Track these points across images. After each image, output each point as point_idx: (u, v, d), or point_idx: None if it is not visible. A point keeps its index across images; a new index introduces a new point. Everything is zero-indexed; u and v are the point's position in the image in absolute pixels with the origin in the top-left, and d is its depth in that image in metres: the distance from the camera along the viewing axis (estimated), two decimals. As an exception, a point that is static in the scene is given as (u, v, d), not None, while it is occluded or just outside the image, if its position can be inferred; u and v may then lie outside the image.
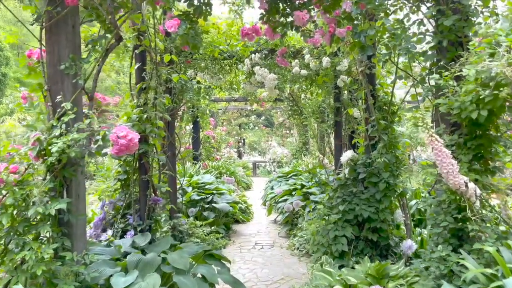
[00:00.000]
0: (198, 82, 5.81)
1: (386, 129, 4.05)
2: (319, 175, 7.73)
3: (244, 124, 22.61)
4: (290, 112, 12.03)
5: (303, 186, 7.50)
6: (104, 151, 3.04)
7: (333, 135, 5.97)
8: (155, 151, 4.05)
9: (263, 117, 22.91)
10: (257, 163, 18.08)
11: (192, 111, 8.88)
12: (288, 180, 9.17)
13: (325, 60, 4.91)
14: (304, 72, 5.59)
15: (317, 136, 9.22)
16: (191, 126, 9.12)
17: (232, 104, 17.68)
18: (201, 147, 9.34)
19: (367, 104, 4.12)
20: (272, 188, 8.85)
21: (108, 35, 3.07)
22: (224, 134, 10.66)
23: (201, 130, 9.25)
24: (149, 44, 3.76)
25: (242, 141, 22.54)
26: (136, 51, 3.81)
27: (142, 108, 3.83)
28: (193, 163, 8.86)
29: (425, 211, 5.56)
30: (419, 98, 3.40)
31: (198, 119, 8.83)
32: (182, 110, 5.85)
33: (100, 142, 2.91)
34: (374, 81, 4.09)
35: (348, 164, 4.34)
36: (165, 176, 4.68)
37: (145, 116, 3.78)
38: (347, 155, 4.20)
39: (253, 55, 5.55)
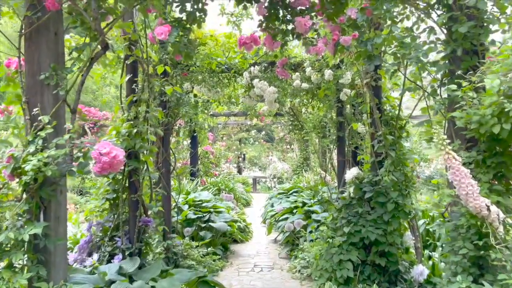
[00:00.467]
0: (195, 95, 5.57)
1: (394, 145, 3.78)
2: (321, 192, 7.43)
3: (244, 139, 22.38)
4: (290, 127, 11.79)
5: (304, 204, 7.20)
6: (87, 169, 2.78)
7: (335, 151, 5.71)
8: (146, 167, 3.77)
9: (264, 132, 22.67)
10: (257, 179, 17.76)
11: (189, 125, 8.64)
12: (289, 197, 8.87)
13: (327, 73, 4.68)
14: (305, 85, 5.35)
15: (319, 152, 8.96)
16: (189, 141, 8.87)
17: (231, 118, 17.50)
18: (199, 163, 9.08)
19: (373, 118, 3.86)
20: (272, 206, 8.54)
21: (94, 43, 2.83)
22: (223, 149, 10.41)
23: (199, 145, 9.01)
24: (141, 54, 3.53)
25: (242, 156, 22.27)
26: (126, 61, 3.58)
27: (132, 122, 3.57)
28: (190, 179, 8.58)
29: (434, 232, 5.25)
30: (431, 111, 3.14)
31: (196, 134, 8.59)
32: (178, 124, 5.61)
33: (82, 159, 2.65)
34: (380, 93, 3.84)
35: (353, 182, 4.06)
36: (158, 194, 4.40)
37: (135, 130, 3.52)
38: (352, 172, 3.92)
39: (252, 68, 5.33)
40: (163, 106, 4.94)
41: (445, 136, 2.47)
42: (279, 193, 9.26)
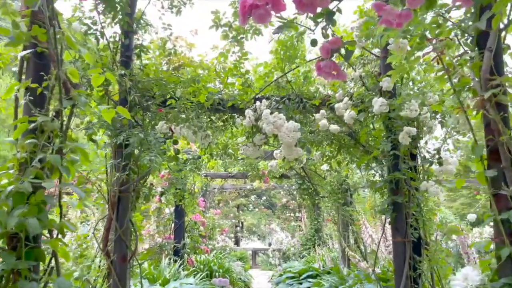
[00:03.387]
0: (175, 141, 3.85)
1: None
2: (351, 282, 5.39)
3: (242, 205, 20.29)
4: (299, 191, 9.92)
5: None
6: None
7: (383, 225, 3.85)
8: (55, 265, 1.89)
9: (264, 198, 20.66)
10: (257, 251, 15.45)
11: (177, 189, 6.79)
12: (301, 284, 6.77)
13: (378, 103, 2.98)
14: (334, 127, 3.64)
15: (338, 223, 7.02)
16: (172, 209, 6.96)
17: (229, 182, 15.65)
18: (186, 237, 7.08)
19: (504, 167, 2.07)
20: (280, 297, 6.44)
21: None
22: (217, 218, 8.46)
23: (186, 214, 7.10)
24: (52, 42, 1.83)
25: (241, 224, 20.05)
26: (21, 54, 1.86)
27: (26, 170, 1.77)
28: (173, 259, 6.53)
29: None
30: None
31: (179, 201, 6.71)
32: (149, 184, 3.82)
33: None
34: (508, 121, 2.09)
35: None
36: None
37: (26, 187, 1.70)
38: (468, 276, 2.03)
39: (258, 102, 3.65)
40: (120, 154, 3.17)
41: None
42: (288, 278, 7.15)
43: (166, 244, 6.70)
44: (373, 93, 3.29)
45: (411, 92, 3.00)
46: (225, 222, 17.40)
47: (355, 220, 7.02)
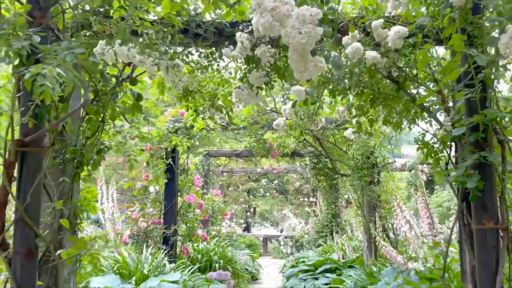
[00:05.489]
0: (133, 81, 2.59)
1: None
2: (380, 277, 4.12)
3: (253, 190, 19.05)
4: (314, 171, 8.63)
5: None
6: None
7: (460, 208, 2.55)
8: None
9: (276, 181, 19.40)
10: (269, 238, 14.29)
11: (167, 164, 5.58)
12: (317, 280, 5.54)
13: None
14: (372, 54, 2.35)
15: (363, 206, 5.73)
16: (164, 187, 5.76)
17: (238, 165, 14.41)
18: (179, 222, 5.89)
19: None
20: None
21: None
22: (218, 200, 7.23)
23: (179, 194, 5.89)
24: None
25: (252, 210, 18.89)
26: None
27: None
28: (162, 248, 5.36)
29: None
30: None
31: (170, 177, 5.47)
32: (97, 141, 2.59)
33: None
34: None
35: None
36: None
37: None
38: None
39: (254, 18, 2.35)
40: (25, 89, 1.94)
41: None
42: (302, 271, 5.93)
43: (154, 229, 5.53)
44: None
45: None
46: (233, 207, 16.27)
47: (384, 202, 5.72)
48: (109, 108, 2.59)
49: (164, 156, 5.57)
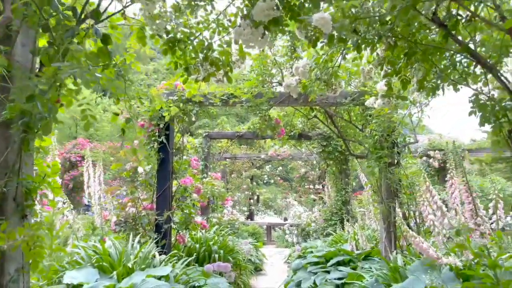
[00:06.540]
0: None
1: None
2: (407, 273, 3.47)
3: (257, 177, 18.41)
4: (323, 155, 7.95)
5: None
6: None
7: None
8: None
9: (280, 168, 18.75)
10: (272, 226, 13.69)
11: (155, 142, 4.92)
12: (329, 273, 4.91)
13: None
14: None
15: (381, 192, 5.06)
16: (156, 168, 5.11)
17: (241, 151, 13.77)
18: (173, 207, 5.26)
19: None
20: (299, 291, 4.63)
21: None
22: (218, 184, 6.58)
23: (173, 176, 5.24)
24: None
25: (256, 197, 18.28)
26: None
27: None
28: (153, 238, 4.74)
29: None
30: None
31: (163, 157, 4.82)
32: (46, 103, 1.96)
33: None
34: None
35: None
36: None
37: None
38: None
39: None
40: None
41: None
42: (310, 264, 5.30)
43: (144, 216, 4.90)
44: None
45: None
46: (236, 194, 15.67)
47: (404, 187, 5.05)
48: (65, 51, 1.92)
49: (156, 133, 4.91)
